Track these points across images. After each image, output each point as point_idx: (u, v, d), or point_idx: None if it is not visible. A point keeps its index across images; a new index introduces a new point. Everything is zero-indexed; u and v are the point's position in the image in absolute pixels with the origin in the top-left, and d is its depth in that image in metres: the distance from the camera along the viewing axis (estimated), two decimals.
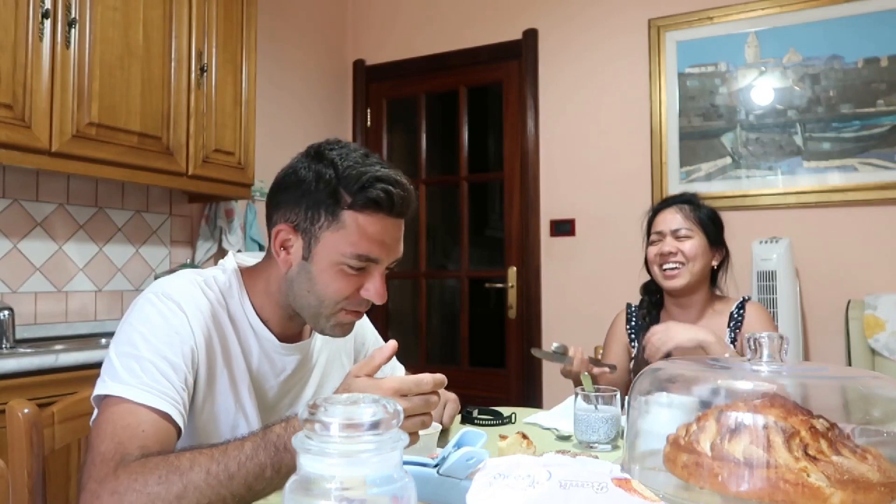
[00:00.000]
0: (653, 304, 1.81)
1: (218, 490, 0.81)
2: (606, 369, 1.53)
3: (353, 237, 0.97)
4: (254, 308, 1.06)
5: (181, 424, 0.92)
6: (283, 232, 1.01)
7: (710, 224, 1.72)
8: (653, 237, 1.76)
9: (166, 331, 0.95)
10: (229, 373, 1.03)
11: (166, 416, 0.90)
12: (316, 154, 1.01)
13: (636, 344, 1.78)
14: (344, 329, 1.05)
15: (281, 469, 0.82)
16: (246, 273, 1.09)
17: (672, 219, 1.73)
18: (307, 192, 0.98)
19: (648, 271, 1.79)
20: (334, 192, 0.97)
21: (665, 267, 1.70)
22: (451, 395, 1.29)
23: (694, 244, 1.68)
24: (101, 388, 0.92)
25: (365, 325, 1.35)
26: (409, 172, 3.93)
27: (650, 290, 1.82)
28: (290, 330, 1.10)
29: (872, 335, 2.50)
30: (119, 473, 0.83)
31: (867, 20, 2.71)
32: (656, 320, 1.76)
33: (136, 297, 1.02)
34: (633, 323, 1.82)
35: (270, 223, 1.04)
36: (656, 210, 1.81)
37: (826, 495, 0.65)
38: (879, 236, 2.68)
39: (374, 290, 1.00)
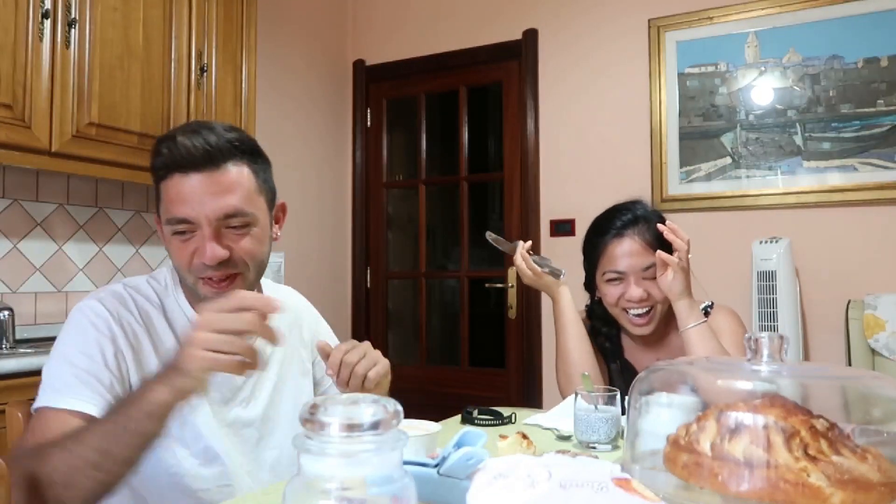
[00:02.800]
0: (609, 335, 1.59)
1: (90, 451, 0.82)
2: (546, 269, 1.52)
3: (164, 204, 0.99)
4: (188, 299, 1.08)
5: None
6: (156, 220, 1.05)
7: (662, 239, 1.45)
8: (609, 275, 1.48)
9: (88, 338, 0.97)
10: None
11: (83, 415, 0.91)
12: None
13: (609, 363, 1.59)
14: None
15: (133, 417, 0.82)
16: None
17: (633, 252, 1.46)
18: None
19: (595, 300, 1.57)
20: (153, 171, 1.02)
21: (633, 313, 1.47)
22: (384, 361, 1.12)
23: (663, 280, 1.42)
24: (36, 403, 0.95)
25: (319, 321, 1.34)
26: (409, 172, 3.95)
27: (602, 317, 1.57)
28: None
29: (872, 335, 2.50)
30: (11, 466, 0.87)
31: (867, 20, 2.71)
32: (618, 348, 1.59)
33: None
34: (595, 328, 1.62)
35: None
36: (606, 236, 1.50)
37: (826, 495, 0.65)
38: (879, 236, 2.68)
39: (202, 250, 0.98)
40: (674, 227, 1.43)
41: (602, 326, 1.60)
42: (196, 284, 1.02)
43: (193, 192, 0.96)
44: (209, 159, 0.97)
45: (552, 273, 1.54)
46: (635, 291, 1.45)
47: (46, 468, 0.82)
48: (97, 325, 0.99)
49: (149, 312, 1.05)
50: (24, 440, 0.93)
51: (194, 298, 1.08)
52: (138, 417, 0.82)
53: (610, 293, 1.49)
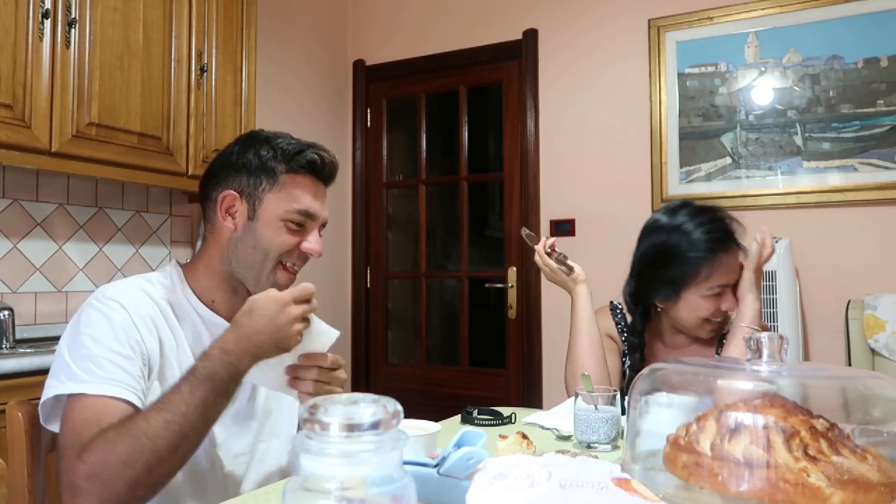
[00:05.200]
0: (639, 324, 1.56)
1: (179, 429, 0.90)
2: (563, 268, 1.53)
3: (294, 194, 1.11)
4: (197, 296, 1.13)
5: (141, 406, 0.97)
6: (228, 197, 1.11)
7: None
8: (716, 289, 1.42)
9: (111, 328, 1.00)
10: (177, 365, 1.07)
11: (125, 402, 0.95)
12: (248, 138, 1.15)
13: (628, 350, 1.61)
14: (280, 288, 1.13)
15: (218, 393, 0.94)
16: (186, 266, 1.17)
17: (736, 266, 1.44)
18: (246, 164, 1.11)
19: (646, 315, 1.54)
20: (272, 161, 1.11)
21: (716, 320, 1.46)
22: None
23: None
24: (59, 388, 0.96)
25: None
26: (409, 172, 3.95)
27: (643, 302, 1.55)
28: (237, 306, 1.13)
29: (872, 335, 2.50)
30: (84, 457, 0.88)
31: (867, 20, 2.71)
32: (641, 338, 1.57)
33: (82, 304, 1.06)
34: (620, 326, 1.63)
35: (210, 201, 1.14)
36: (717, 251, 1.41)
37: (826, 495, 0.65)
38: (879, 236, 2.68)
39: (313, 242, 1.13)
40: (766, 231, 1.44)
41: (641, 318, 1.57)
42: (276, 269, 1.12)
43: (320, 197, 1.15)
44: (333, 177, 1.17)
45: (564, 270, 1.54)
46: (728, 302, 1.43)
47: (142, 441, 0.88)
48: (119, 317, 1.01)
49: (160, 305, 1.09)
50: (64, 429, 0.94)
51: (206, 295, 1.13)
52: (229, 387, 0.96)
53: (709, 307, 1.43)
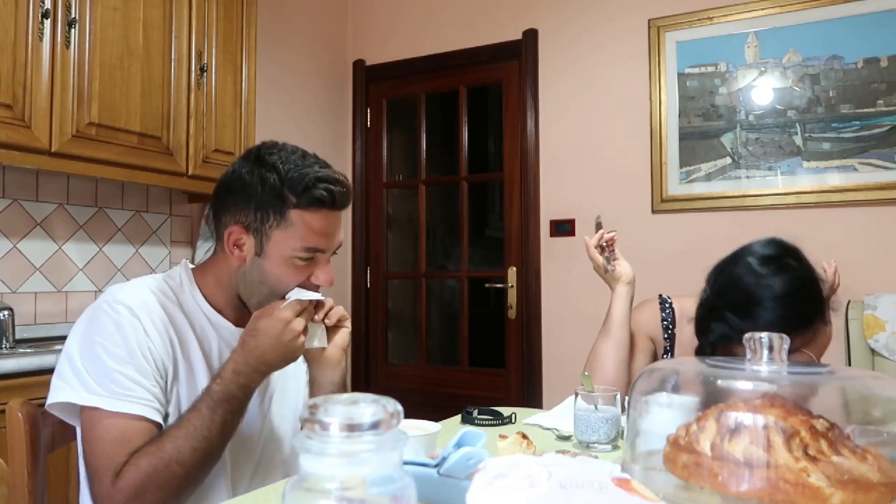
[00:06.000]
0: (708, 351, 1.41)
1: (205, 452, 0.97)
2: (606, 265, 1.51)
3: (301, 233, 1.06)
4: (206, 299, 1.13)
5: (161, 420, 1.00)
6: (234, 233, 1.08)
7: None
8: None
9: (123, 338, 1.00)
10: (187, 365, 1.08)
11: (145, 419, 0.98)
12: (257, 158, 1.08)
13: (670, 347, 1.55)
14: None
15: (235, 412, 1.01)
16: (196, 271, 1.16)
17: (815, 341, 1.38)
18: (253, 195, 1.06)
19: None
20: (280, 194, 1.05)
21: None
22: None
23: None
24: (73, 396, 0.97)
25: None
26: (409, 172, 3.95)
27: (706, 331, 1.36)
28: (244, 315, 1.15)
29: (872, 335, 2.50)
30: (120, 485, 0.92)
31: (867, 20, 2.71)
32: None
33: (90, 305, 1.07)
34: (667, 323, 1.55)
35: (220, 223, 1.11)
36: (798, 331, 1.26)
37: (826, 495, 0.65)
38: (879, 236, 2.68)
39: (323, 276, 1.11)
40: (835, 267, 1.43)
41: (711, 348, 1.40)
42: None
43: (332, 227, 1.10)
44: (347, 204, 1.11)
45: (604, 265, 1.54)
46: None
47: (174, 468, 0.94)
48: (130, 324, 1.02)
49: (169, 307, 1.09)
50: (92, 448, 0.96)
51: (214, 301, 1.13)
52: (244, 404, 1.03)
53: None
